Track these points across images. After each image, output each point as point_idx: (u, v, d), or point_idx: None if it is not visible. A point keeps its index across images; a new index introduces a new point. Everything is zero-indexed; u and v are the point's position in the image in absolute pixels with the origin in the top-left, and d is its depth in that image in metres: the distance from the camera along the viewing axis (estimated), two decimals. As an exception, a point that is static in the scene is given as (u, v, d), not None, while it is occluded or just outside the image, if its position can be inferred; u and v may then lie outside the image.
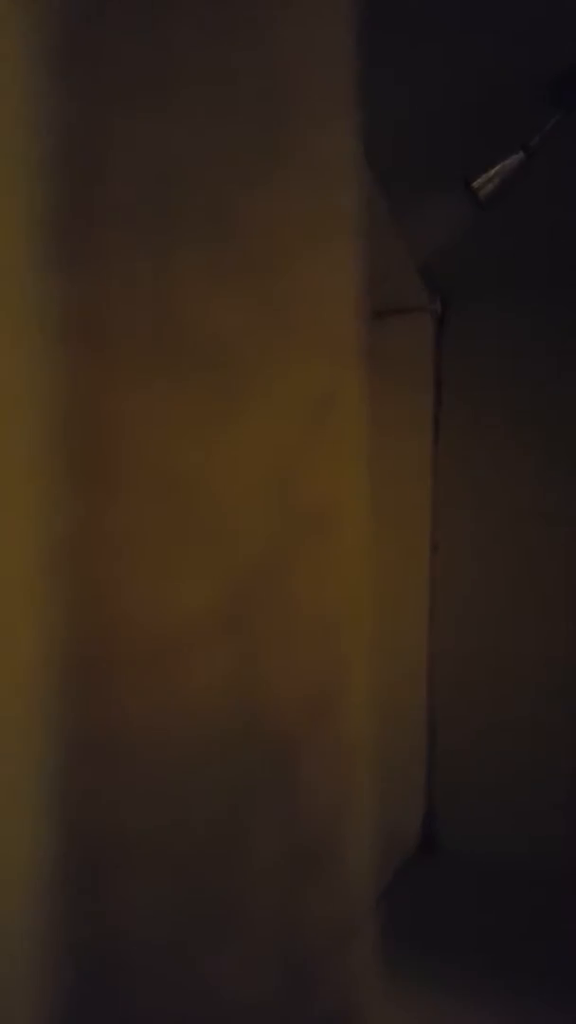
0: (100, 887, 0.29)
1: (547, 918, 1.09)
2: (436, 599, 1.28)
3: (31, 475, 0.27)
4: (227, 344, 0.32)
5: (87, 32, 0.29)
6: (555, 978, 0.97)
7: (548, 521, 1.22)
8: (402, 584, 1.26)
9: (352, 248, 0.39)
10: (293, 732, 0.34)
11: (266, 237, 0.33)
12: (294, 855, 0.34)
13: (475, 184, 1.13)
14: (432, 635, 1.28)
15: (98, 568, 0.29)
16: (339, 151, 0.39)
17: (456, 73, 1.04)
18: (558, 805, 1.20)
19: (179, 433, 0.30)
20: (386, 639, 1.22)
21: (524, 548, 1.24)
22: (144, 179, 0.30)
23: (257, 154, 0.33)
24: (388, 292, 1.21)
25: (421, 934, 1.01)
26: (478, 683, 1.26)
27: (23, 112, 0.27)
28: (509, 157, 1.11)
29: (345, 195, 0.39)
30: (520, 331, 1.24)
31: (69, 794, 0.28)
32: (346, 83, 0.39)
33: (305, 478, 0.34)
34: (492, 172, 1.13)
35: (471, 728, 1.27)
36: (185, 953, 0.30)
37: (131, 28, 0.30)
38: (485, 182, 1.13)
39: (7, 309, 0.27)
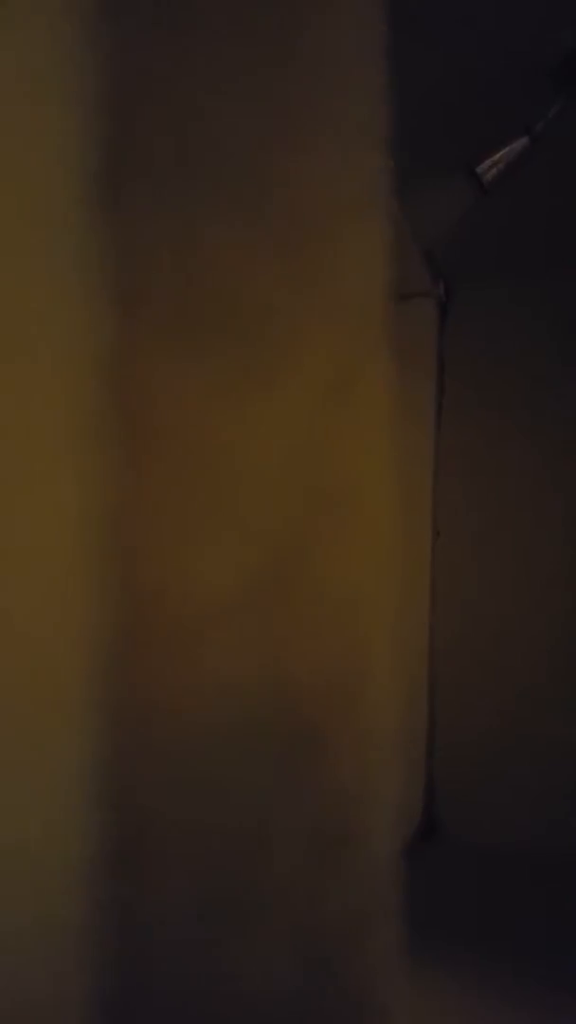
0: (129, 865, 0.28)
1: (550, 901, 1.09)
2: (437, 584, 1.28)
3: (71, 447, 0.27)
4: (256, 316, 0.31)
5: None
6: (559, 961, 0.97)
7: (551, 507, 1.22)
8: (404, 570, 1.26)
9: (378, 226, 0.38)
10: (317, 713, 0.34)
11: (295, 211, 0.33)
12: (317, 840, 0.34)
13: (479, 169, 1.12)
14: (434, 620, 1.27)
15: (134, 539, 0.28)
16: (367, 129, 0.38)
17: (460, 58, 1.03)
18: (561, 788, 1.20)
19: (210, 406, 0.30)
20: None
21: (527, 534, 1.23)
22: (175, 144, 0.29)
23: (285, 121, 0.33)
24: (392, 276, 1.20)
25: (422, 918, 1.00)
26: (480, 667, 1.26)
27: (64, 70, 0.27)
28: (513, 142, 1.11)
29: (372, 172, 0.38)
30: (524, 316, 1.24)
31: (102, 767, 0.27)
32: (376, 64, 0.38)
33: (331, 453, 0.34)
34: (496, 157, 1.12)
35: (472, 712, 1.27)
36: (214, 938, 0.30)
37: None
38: (489, 167, 1.12)
39: (44, 269, 0.27)
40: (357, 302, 0.36)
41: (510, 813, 1.22)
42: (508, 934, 1.02)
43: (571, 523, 1.22)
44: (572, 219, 1.17)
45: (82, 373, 0.27)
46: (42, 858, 0.26)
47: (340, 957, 0.35)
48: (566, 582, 1.22)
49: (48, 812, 0.26)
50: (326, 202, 0.34)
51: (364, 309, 0.37)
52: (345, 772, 0.35)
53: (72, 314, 0.27)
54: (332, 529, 0.35)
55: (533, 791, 1.21)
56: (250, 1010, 0.32)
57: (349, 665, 0.35)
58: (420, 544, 1.27)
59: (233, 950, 0.31)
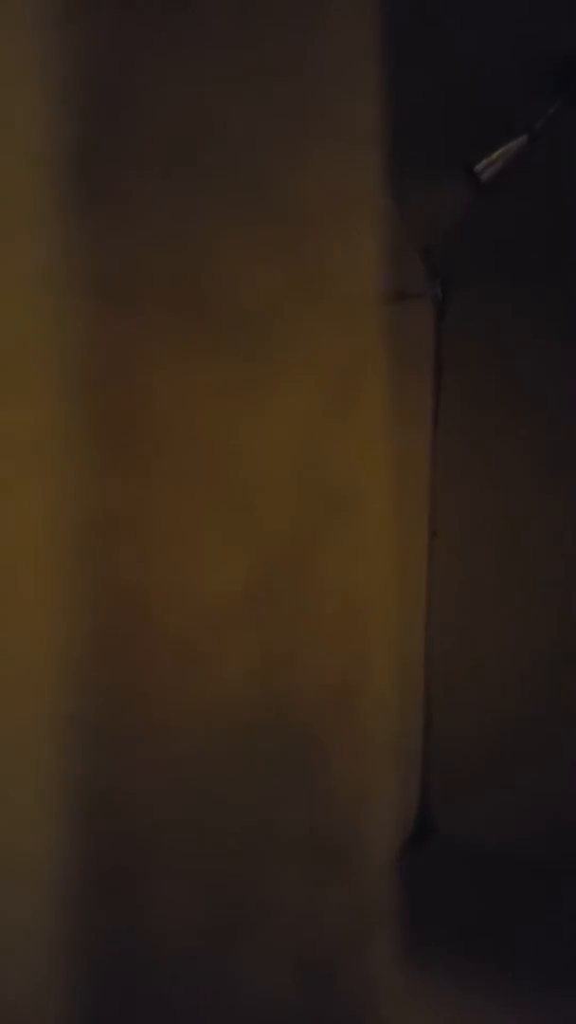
0: (124, 881, 0.28)
1: (545, 904, 1.09)
2: (434, 585, 1.27)
3: (54, 447, 0.26)
4: (255, 314, 0.31)
5: None
6: (554, 963, 0.97)
7: (548, 508, 1.22)
8: (401, 570, 1.26)
9: (375, 225, 0.38)
10: (318, 721, 0.33)
11: (294, 207, 0.32)
12: (317, 847, 0.33)
13: (476, 168, 1.12)
14: (430, 620, 1.27)
15: (124, 546, 0.28)
16: (364, 126, 0.38)
17: (458, 56, 1.03)
18: (557, 790, 1.20)
19: (209, 406, 0.29)
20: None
21: (524, 535, 1.23)
22: (171, 128, 0.28)
23: (285, 119, 0.32)
24: (388, 277, 1.20)
25: (415, 921, 1.00)
26: (475, 668, 1.26)
27: (44, 46, 0.26)
28: (511, 141, 1.10)
29: (369, 170, 0.38)
30: (522, 316, 1.23)
31: (93, 783, 0.27)
32: (371, 61, 0.38)
33: (331, 456, 0.34)
34: (494, 156, 1.12)
35: (468, 714, 1.27)
36: (210, 946, 0.30)
37: None
38: (487, 166, 1.12)
39: (32, 261, 0.26)
40: (354, 303, 0.36)
41: (505, 815, 1.22)
42: (503, 936, 1.02)
43: (568, 524, 1.22)
44: (570, 218, 1.17)
45: (73, 376, 0.26)
46: (23, 874, 0.26)
47: (339, 964, 0.35)
48: (563, 584, 1.22)
49: (24, 828, 0.26)
50: (324, 203, 0.34)
51: (361, 310, 0.36)
52: (344, 779, 0.35)
53: (56, 313, 0.26)
54: (332, 535, 0.35)
55: (528, 793, 1.21)
56: (250, 1014, 0.31)
57: (349, 672, 0.35)
58: (416, 544, 1.26)
59: (233, 957, 0.31)
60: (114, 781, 0.28)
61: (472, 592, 1.25)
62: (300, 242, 0.32)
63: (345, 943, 0.35)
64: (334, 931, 0.34)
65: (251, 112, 0.31)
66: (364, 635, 0.36)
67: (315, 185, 0.33)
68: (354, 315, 0.35)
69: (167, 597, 0.29)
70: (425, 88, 1.06)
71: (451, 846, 1.25)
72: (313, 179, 0.33)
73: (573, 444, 1.22)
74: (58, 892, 0.27)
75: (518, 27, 0.99)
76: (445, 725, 1.28)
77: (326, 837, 0.34)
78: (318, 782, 0.33)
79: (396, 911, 0.37)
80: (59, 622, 0.27)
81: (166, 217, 0.29)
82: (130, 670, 0.28)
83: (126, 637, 0.28)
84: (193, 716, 0.29)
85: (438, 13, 0.96)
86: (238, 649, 0.31)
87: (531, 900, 1.11)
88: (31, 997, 0.26)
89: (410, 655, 1.27)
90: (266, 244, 0.31)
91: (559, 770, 1.20)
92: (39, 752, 0.26)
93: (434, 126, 1.11)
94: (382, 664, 0.37)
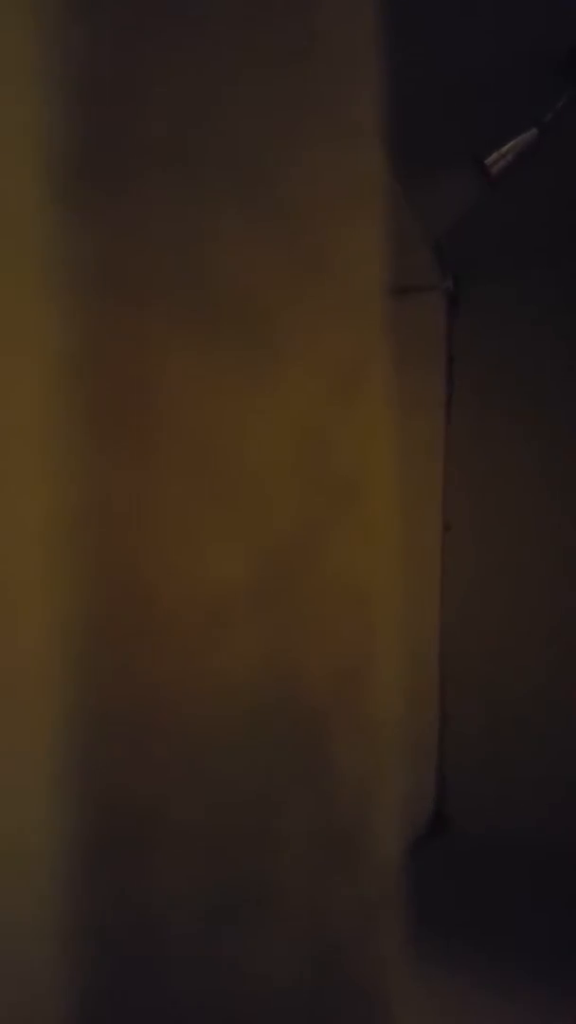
0: (131, 868, 0.28)
1: (560, 897, 1.09)
2: (447, 578, 1.27)
3: (58, 435, 0.27)
4: (260, 305, 0.31)
5: None
6: (567, 957, 0.97)
7: (559, 500, 1.22)
8: (414, 563, 1.26)
9: (379, 216, 0.38)
10: (324, 708, 0.33)
11: (298, 198, 0.33)
12: (325, 835, 0.34)
13: (487, 162, 1.12)
14: (444, 614, 1.27)
15: (127, 535, 0.28)
16: (366, 118, 0.38)
17: (469, 49, 1.03)
18: (571, 782, 1.20)
19: (212, 396, 0.30)
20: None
21: (537, 528, 1.23)
22: (175, 122, 0.29)
23: (290, 112, 0.32)
24: (400, 270, 1.20)
25: (430, 912, 1.00)
26: (489, 660, 1.26)
27: (46, 44, 0.26)
28: (522, 134, 1.10)
29: (372, 162, 0.38)
30: (533, 308, 1.23)
31: (97, 774, 0.27)
32: (377, 54, 0.38)
33: (337, 446, 0.34)
34: (504, 149, 1.12)
35: (483, 706, 1.26)
36: (216, 935, 0.30)
37: None
38: (497, 159, 1.12)
39: (32, 252, 0.26)
40: (359, 295, 0.36)
41: (521, 809, 1.22)
42: (517, 929, 1.02)
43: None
44: (581, 211, 1.17)
45: (77, 368, 0.27)
46: (29, 861, 0.26)
47: (347, 953, 0.35)
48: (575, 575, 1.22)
49: (29, 817, 0.26)
50: (328, 196, 0.34)
51: (366, 302, 0.36)
52: (351, 769, 0.35)
53: (59, 306, 0.26)
54: (337, 524, 0.35)
55: (544, 786, 1.21)
56: (257, 1006, 0.32)
57: (357, 660, 0.35)
58: (430, 538, 1.26)
59: (240, 946, 0.31)
60: (120, 770, 0.28)
61: (486, 585, 1.25)
62: (304, 235, 0.33)
63: (354, 934, 0.35)
64: (342, 922, 0.34)
65: (255, 105, 0.31)
66: (371, 627, 0.36)
67: (319, 178, 0.33)
68: (359, 307, 0.36)
69: (173, 586, 0.29)
70: (435, 82, 1.06)
71: (466, 839, 1.25)
72: (317, 172, 0.33)
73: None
74: (64, 880, 0.27)
75: (527, 20, 0.99)
76: (461, 719, 1.28)
77: (334, 827, 0.34)
78: (325, 771, 0.34)
79: (407, 902, 0.38)
80: (64, 611, 0.27)
81: (170, 211, 0.29)
82: (135, 659, 0.28)
83: (131, 626, 0.28)
84: (199, 705, 0.30)
85: (446, 5, 0.95)
86: (244, 639, 0.31)
87: (545, 894, 1.11)
88: (35, 980, 0.26)
89: (424, 649, 1.27)
90: (270, 237, 0.31)
91: (573, 762, 1.20)
92: (44, 742, 0.27)
93: (444, 120, 1.11)
94: (390, 656, 0.37)
